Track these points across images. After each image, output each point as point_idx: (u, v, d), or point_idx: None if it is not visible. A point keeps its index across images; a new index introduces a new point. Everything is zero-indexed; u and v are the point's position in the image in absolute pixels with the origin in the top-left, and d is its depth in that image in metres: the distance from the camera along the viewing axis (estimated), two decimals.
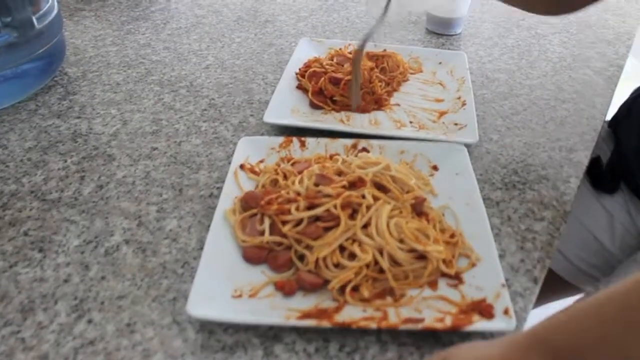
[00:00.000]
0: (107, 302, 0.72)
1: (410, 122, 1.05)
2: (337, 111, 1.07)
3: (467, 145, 0.95)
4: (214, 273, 0.71)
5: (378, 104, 1.08)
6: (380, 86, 1.10)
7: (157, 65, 1.27)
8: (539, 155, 1.01)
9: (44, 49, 1.12)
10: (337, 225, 0.74)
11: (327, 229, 0.75)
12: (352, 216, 0.75)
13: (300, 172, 0.87)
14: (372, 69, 1.11)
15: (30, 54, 1.09)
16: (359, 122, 1.04)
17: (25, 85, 1.14)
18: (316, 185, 0.80)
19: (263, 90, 1.17)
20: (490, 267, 0.72)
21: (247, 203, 0.82)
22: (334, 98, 1.07)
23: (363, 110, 1.07)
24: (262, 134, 1.03)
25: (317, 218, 0.75)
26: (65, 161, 0.97)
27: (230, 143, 1.01)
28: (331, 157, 0.93)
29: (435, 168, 0.92)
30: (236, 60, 1.29)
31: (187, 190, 0.90)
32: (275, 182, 0.86)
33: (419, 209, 0.80)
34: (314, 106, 1.08)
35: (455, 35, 1.42)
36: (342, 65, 1.13)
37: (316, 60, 1.16)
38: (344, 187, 0.78)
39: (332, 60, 1.14)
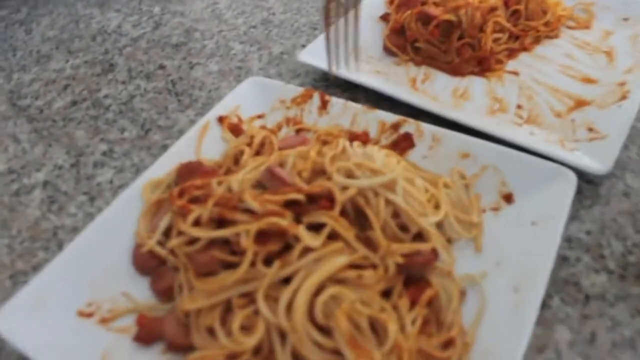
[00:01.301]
0: None
1: (518, 107, 0.64)
2: (417, 64, 0.71)
3: (584, 175, 0.54)
4: (75, 267, 0.49)
5: (482, 65, 0.69)
6: (498, 39, 0.70)
7: None
8: None
9: None
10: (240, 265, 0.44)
11: (229, 266, 0.46)
12: (269, 258, 0.44)
13: (283, 149, 0.57)
14: (493, 8, 0.70)
15: None
16: (436, 88, 0.67)
17: None
18: (257, 186, 0.50)
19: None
20: None
21: (182, 178, 0.55)
22: (417, 44, 0.70)
23: (455, 70, 0.69)
24: (298, 76, 0.73)
25: (226, 241, 0.46)
26: (67, 61, 0.79)
27: None
28: (352, 136, 0.60)
29: (507, 199, 0.54)
30: None
31: (154, 134, 0.67)
32: (238, 157, 0.58)
33: (413, 275, 0.46)
34: (387, 50, 0.73)
35: None
36: None
37: None
38: (290, 203, 0.47)
39: None
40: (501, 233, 0.51)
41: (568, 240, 0.53)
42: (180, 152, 0.59)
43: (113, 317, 0.47)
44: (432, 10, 0.70)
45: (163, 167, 0.57)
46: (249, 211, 0.46)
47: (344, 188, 0.48)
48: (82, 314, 0.47)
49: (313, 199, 0.48)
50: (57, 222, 0.58)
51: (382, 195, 0.48)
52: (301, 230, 0.44)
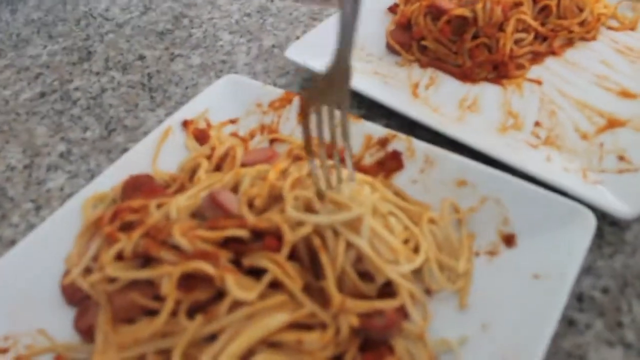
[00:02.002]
0: None
1: (536, 124, 0.54)
2: (422, 66, 0.61)
3: (607, 215, 0.44)
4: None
5: (499, 71, 0.58)
6: (521, 40, 0.59)
7: None
8: None
9: None
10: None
11: (151, 313, 0.38)
12: (195, 309, 0.36)
13: (246, 165, 0.49)
14: (518, 3, 0.59)
15: None
16: (441, 96, 0.57)
17: None
18: (198, 214, 0.42)
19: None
20: None
21: (127, 194, 0.48)
22: (424, 42, 0.60)
23: (466, 75, 0.59)
24: (286, 74, 0.64)
25: (152, 282, 0.39)
26: (44, 47, 0.73)
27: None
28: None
29: (508, 241, 0.44)
30: None
31: (117, 134, 0.59)
32: (192, 173, 0.50)
33: (371, 339, 0.37)
34: (390, 48, 0.63)
35: None
36: None
37: None
38: (231, 239, 0.39)
39: None
40: (494, 285, 0.42)
41: (578, 298, 0.43)
42: (135, 161, 0.52)
43: (30, 354, 0.41)
44: (444, 3, 0.59)
45: (113, 177, 0.50)
46: (174, 249, 0.38)
47: (299, 223, 0.39)
48: None
49: (259, 235, 0.39)
50: None
51: (342, 236, 0.39)
52: (230, 281, 0.36)
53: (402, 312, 0.39)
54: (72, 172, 0.56)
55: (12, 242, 0.51)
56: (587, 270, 0.44)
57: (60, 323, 0.43)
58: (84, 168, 0.57)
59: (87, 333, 0.41)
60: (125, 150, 0.58)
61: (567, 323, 0.41)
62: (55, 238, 0.46)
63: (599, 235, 0.46)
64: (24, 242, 0.46)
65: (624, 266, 0.44)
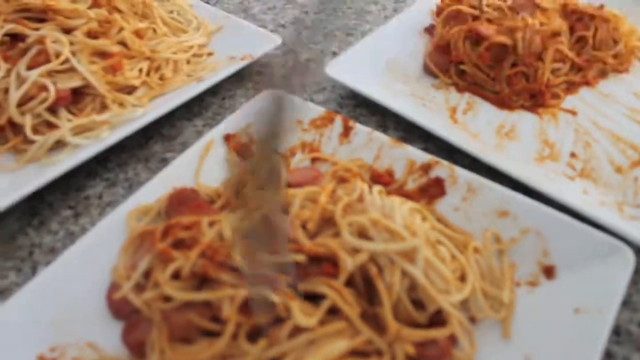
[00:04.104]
0: None
1: (572, 155, 0.55)
2: (460, 90, 0.62)
3: (638, 251, 0.45)
4: (40, 303, 0.43)
5: (536, 100, 0.59)
6: (558, 70, 0.61)
7: None
8: None
9: None
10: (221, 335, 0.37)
11: (209, 334, 0.39)
12: (256, 332, 0.37)
13: (292, 185, 0.50)
14: (556, 33, 0.60)
15: None
16: (479, 122, 0.59)
17: None
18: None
19: (382, 17, 0.75)
20: None
21: (173, 208, 0.49)
22: (462, 67, 0.61)
23: (503, 102, 0.60)
24: (323, 90, 0.64)
25: (208, 302, 0.39)
26: None
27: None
28: (374, 175, 0.52)
29: (548, 273, 0.45)
30: None
31: (154, 143, 0.60)
32: (240, 188, 0.50)
33: None
34: (427, 70, 0.64)
35: None
36: (517, 13, 0.64)
37: None
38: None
39: (506, 1, 0.66)
40: (536, 317, 0.43)
41: (615, 331, 0.44)
42: (177, 173, 0.52)
43: None
44: (485, 29, 0.60)
45: (156, 189, 0.51)
46: (236, 270, 0.39)
47: (355, 250, 0.40)
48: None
49: (315, 259, 0.40)
50: (36, 240, 0.52)
51: (398, 265, 0.40)
52: (294, 306, 0.36)
53: (452, 340, 0.40)
54: (110, 179, 0.57)
55: (52, 250, 0.51)
56: (625, 303, 0.45)
57: (106, 336, 0.43)
58: (122, 176, 0.57)
59: (136, 348, 0.42)
60: (163, 159, 0.58)
61: (606, 356, 0.43)
62: (100, 249, 0.47)
63: (636, 269, 0.47)
64: (68, 252, 0.46)
65: None
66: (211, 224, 0.44)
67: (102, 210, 0.54)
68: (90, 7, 0.60)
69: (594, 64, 0.62)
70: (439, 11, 0.67)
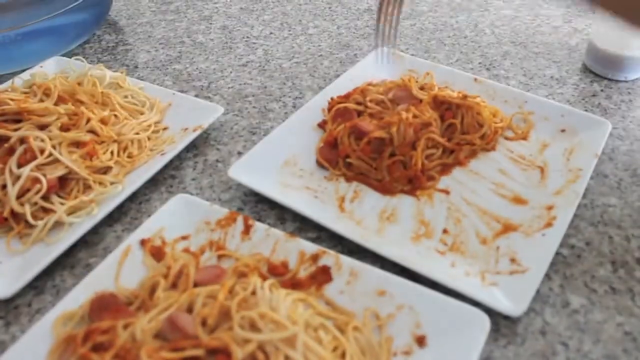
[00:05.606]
0: None
1: (444, 232, 0.64)
2: (348, 180, 0.70)
3: (498, 313, 0.53)
4: None
5: (413, 184, 0.69)
6: (431, 155, 0.70)
7: (195, 49, 1.00)
8: None
9: None
10: None
11: None
12: None
13: (198, 284, 0.57)
14: (427, 124, 0.70)
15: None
16: (364, 209, 0.67)
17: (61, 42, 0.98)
18: (159, 336, 0.49)
19: (282, 114, 0.84)
20: None
21: (95, 312, 0.55)
22: (349, 159, 0.70)
23: (385, 189, 0.69)
24: (229, 189, 0.72)
25: None
26: None
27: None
28: (271, 267, 0.59)
29: (420, 342, 0.53)
30: (286, 60, 0.96)
31: (78, 251, 0.66)
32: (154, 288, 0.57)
33: None
34: (319, 164, 0.73)
35: (626, 82, 0.89)
36: (397, 105, 0.74)
37: (363, 90, 0.78)
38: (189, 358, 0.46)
39: (387, 95, 0.76)
40: None
41: None
42: (99, 278, 0.58)
43: None
44: (365, 125, 0.70)
45: (80, 294, 0.57)
46: None
47: (245, 341, 0.47)
48: None
49: (213, 352, 0.47)
50: None
51: (282, 352, 0.47)
52: None
53: None
54: (39, 287, 0.62)
55: None
56: (486, 359, 0.53)
57: None
58: (50, 284, 0.63)
59: None
60: (87, 265, 0.64)
61: None
62: (30, 356, 0.52)
63: (496, 329, 0.55)
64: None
65: (515, 355, 0.54)
66: (125, 326, 0.51)
67: (32, 317, 0.60)
68: (56, 104, 0.72)
69: (463, 147, 0.72)
70: (329, 108, 0.77)
